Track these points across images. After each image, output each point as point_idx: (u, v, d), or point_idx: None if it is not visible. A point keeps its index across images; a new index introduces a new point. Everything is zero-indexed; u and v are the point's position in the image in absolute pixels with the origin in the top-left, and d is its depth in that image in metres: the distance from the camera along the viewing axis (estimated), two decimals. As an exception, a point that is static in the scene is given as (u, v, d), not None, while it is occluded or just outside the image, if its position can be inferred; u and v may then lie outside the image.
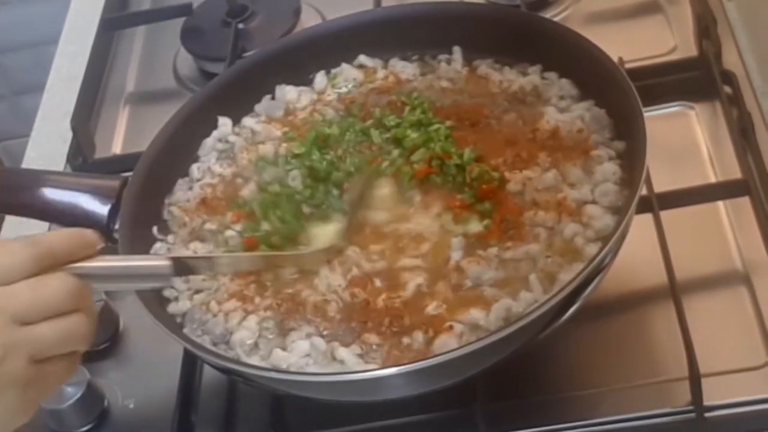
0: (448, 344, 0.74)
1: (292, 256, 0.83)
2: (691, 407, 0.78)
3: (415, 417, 0.83)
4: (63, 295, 0.65)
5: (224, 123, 0.96)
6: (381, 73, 0.98)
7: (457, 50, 0.97)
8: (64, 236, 0.69)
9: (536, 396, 0.83)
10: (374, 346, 0.76)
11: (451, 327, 0.76)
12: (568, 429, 0.80)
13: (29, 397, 0.64)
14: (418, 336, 0.76)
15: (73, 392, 0.88)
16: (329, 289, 0.81)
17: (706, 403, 0.78)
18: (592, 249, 0.77)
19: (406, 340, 0.76)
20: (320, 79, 0.99)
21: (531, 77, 0.92)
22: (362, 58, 0.99)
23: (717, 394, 0.78)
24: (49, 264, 0.66)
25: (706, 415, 0.78)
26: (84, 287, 0.67)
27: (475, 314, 0.76)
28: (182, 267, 0.76)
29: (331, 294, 0.80)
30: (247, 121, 0.97)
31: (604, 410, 0.81)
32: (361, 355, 0.76)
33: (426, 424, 0.83)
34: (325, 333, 0.78)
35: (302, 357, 0.77)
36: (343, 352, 0.76)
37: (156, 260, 0.76)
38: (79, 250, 0.69)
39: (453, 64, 0.97)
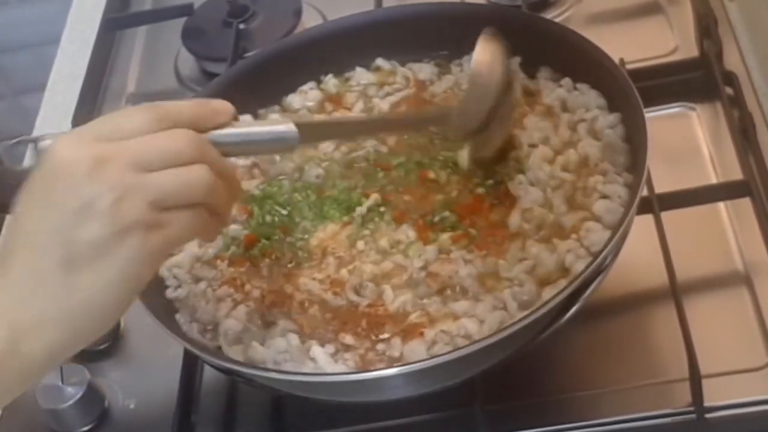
0: (417, 351, 0.75)
1: (415, 116, 0.82)
2: (691, 408, 0.78)
3: (414, 418, 0.83)
4: (181, 145, 0.64)
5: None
6: (399, 77, 0.98)
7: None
8: (190, 103, 0.68)
9: (536, 397, 0.83)
10: (349, 347, 0.77)
11: (422, 333, 0.76)
12: (568, 430, 0.80)
13: (153, 244, 0.62)
14: (396, 341, 0.76)
15: (73, 392, 0.88)
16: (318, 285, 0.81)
17: (707, 404, 0.78)
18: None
19: (380, 346, 0.77)
20: (330, 82, 0.99)
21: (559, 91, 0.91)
22: (379, 61, 0.99)
23: (717, 395, 0.78)
24: (170, 125, 0.65)
25: (707, 416, 0.78)
26: (205, 142, 0.66)
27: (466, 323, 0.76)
28: (307, 133, 0.73)
29: (318, 291, 0.80)
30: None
31: (604, 411, 0.80)
32: (333, 355, 0.76)
33: (425, 424, 0.83)
34: (306, 331, 0.78)
35: (279, 353, 0.77)
36: (316, 350, 0.76)
37: (281, 125, 0.71)
38: (206, 119, 0.67)
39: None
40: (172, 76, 1.25)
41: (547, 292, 0.76)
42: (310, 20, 1.22)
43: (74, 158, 0.61)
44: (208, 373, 0.89)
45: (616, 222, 0.78)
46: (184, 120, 0.66)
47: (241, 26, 1.22)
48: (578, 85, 0.90)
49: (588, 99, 0.89)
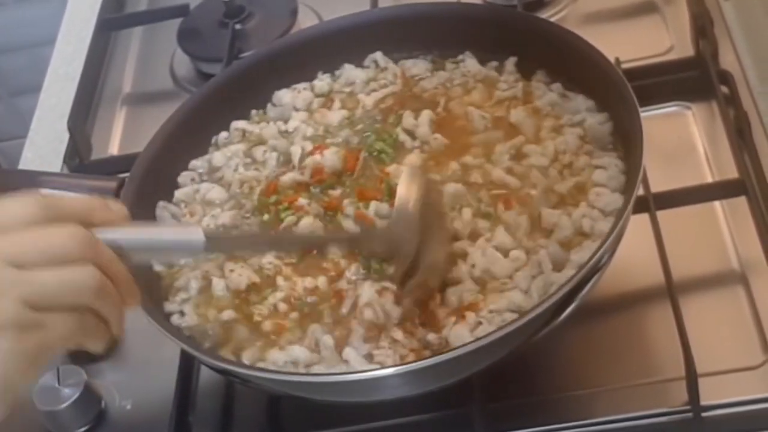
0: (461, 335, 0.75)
1: (333, 237, 0.81)
2: (688, 407, 0.78)
3: (412, 417, 0.83)
4: (67, 241, 0.60)
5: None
6: (389, 73, 0.98)
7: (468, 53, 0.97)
8: (80, 197, 0.65)
9: (533, 396, 0.83)
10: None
11: (464, 317, 0.76)
12: (565, 429, 0.80)
13: (26, 346, 0.59)
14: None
15: (69, 393, 0.88)
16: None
17: (703, 402, 0.78)
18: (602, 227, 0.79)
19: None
20: (320, 80, 0.99)
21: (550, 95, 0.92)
22: (377, 56, 0.99)
23: (714, 393, 0.78)
24: (56, 217, 0.61)
25: (703, 414, 0.78)
26: (97, 241, 0.62)
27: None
28: (215, 243, 0.70)
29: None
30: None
31: (601, 410, 0.81)
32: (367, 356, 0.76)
33: (423, 424, 0.83)
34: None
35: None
36: (349, 352, 0.76)
37: (189, 234, 0.68)
38: (95, 213, 0.64)
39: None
40: (168, 76, 1.25)
41: (576, 255, 0.77)
42: (306, 20, 1.22)
43: None
44: (205, 374, 0.89)
45: (620, 186, 0.80)
46: (72, 212, 0.62)
47: (237, 27, 1.22)
48: (567, 93, 0.91)
49: (577, 104, 0.89)
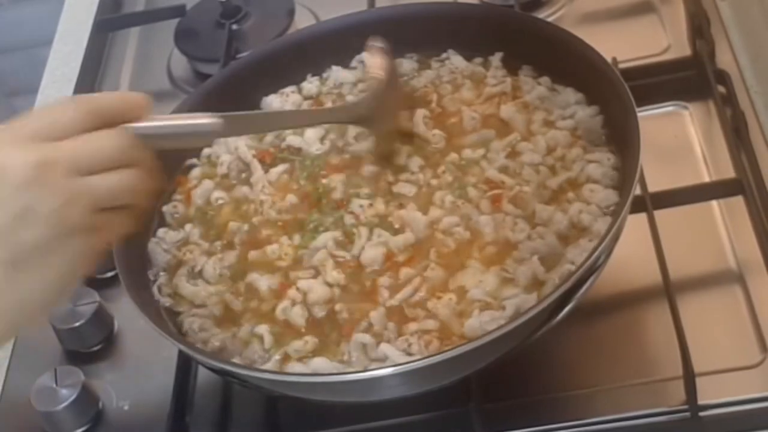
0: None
1: (340, 109, 0.91)
2: (685, 406, 0.78)
3: (409, 417, 0.83)
4: (117, 149, 0.67)
5: None
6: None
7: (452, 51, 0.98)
8: (115, 96, 0.71)
9: (531, 396, 0.83)
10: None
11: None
12: (562, 429, 0.80)
13: (91, 245, 0.66)
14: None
15: (67, 394, 0.88)
16: None
17: (701, 402, 0.78)
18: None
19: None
20: (309, 83, 0.99)
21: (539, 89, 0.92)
22: (364, 56, 0.99)
23: (711, 393, 0.78)
24: (101, 122, 0.67)
25: (701, 414, 0.78)
26: (137, 142, 0.68)
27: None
28: (230, 125, 0.75)
29: None
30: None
31: (598, 410, 0.81)
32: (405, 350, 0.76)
33: (421, 424, 0.83)
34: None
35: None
36: (385, 348, 0.76)
37: (203, 118, 0.73)
38: (129, 111, 0.69)
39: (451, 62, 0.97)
40: (165, 77, 1.25)
41: (572, 252, 0.77)
42: (302, 21, 1.22)
43: (15, 162, 0.63)
44: (203, 375, 0.89)
45: (613, 183, 0.81)
46: (109, 114, 0.68)
47: (234, 27, 1.22)
48: (556, 87, 0.91)
49: (566, 97, 0.89)
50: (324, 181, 0.89)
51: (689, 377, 0.77)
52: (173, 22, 1.27)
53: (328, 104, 0.97)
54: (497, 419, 0.81)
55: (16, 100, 1.83)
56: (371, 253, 0.82)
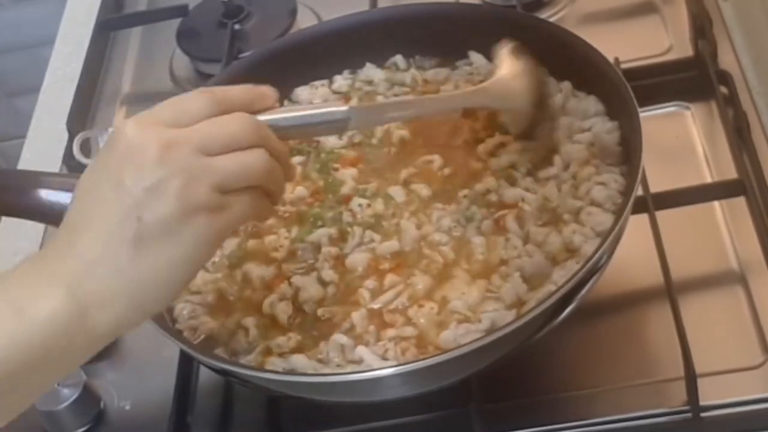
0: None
1: (457, 94, 0.87)
2: (687, 407, 0.78)
3: (410, 418, 0.83)
4: (241, 130, 0.67)
5: None
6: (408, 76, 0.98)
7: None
8: (240, 88, 0.71)
9: (532, 396, 0.83)
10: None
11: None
12: (563, 429, 0.80)
13: (217, 225, 0.65)
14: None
15: (69, 394, 0.88)
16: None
17: (702, 403, 0.78)
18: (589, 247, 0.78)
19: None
20: (341, 80, 0.99)
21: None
22: (398, 58, 0.99)
23: (713, 394, 0.78)
24: (226, 109, 0.68)
25: (702, 415, 0.78)
26: (263, 126, 0.69)
27: None
28: (362, 115, 0.75)
29: None
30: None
31: (600, 410, 0.80)
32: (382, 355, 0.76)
33: (421, 424, 0.83)
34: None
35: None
36: (361, 351, 0.76)
37: (333, 107, 0.74)
38: (255, 102, 0.70)
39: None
40: (167, 77, 1.25)
41: (558, 273, 0.77)
42: (305, 20, 1.22)
43: (142, 142, 0.64)
44: (204, 374, 0.89)
45: (615, 207, 0.80)
46: (237, 104, 0.69)
47: (236, 27, 1.22)
48: (576, 92, 0.90)
49: (587, 105, 0.88)
50: (336, 173, 0.89)
51: (691, 378, 0.77)
52: (175, 22, 1.27)
53: (354, 101, 0.97)
54: (498, 420, 0.81)
55: (17, 100, 1.83)
56: (357, 257, 0.82)
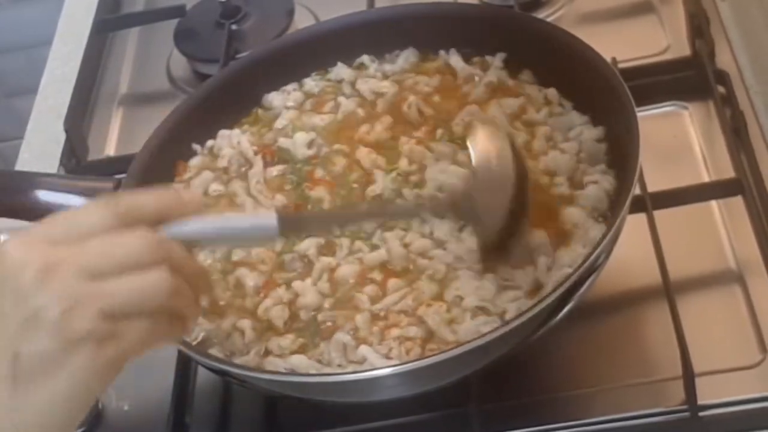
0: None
1: (410, 206, 0.81)
2: (685, 406, 0.78)
3: (409, 417, 0.83)
4: (139, 250, 0.60)
5: None
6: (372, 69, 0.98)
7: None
8: (152, 196, 0.64)
9: (530, 396, 0.83)
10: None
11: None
12: (562, 429, 0.80)
13: (104, 357, 0.59)
14: None
15: (67, 394, 0.88)
16: None
17: (700, 402, 0.78)
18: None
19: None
20: (311, 80, 0.99)
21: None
22: (364, 58, 0.99)
23: (711, 393, 0.78)
24: (129, 222, 0.61)
25: (701, 414, 0.78)
26: (165, 241, 0.62)
27: None
28: (289, 224, 0.68)
29: None
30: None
31: (598, 410, 0.81)
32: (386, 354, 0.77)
33: (420, 424, 0.83)
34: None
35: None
36: (365, 350, 0.76)
37: (260, 218, 0.67)
38: (171, 210, 0.63)
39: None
40: (165, 77, 1.25)
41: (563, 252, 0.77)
42: (302, 21, 1.22)
43: (22, 264, 0.58)
44: (202, 375, 0.89)
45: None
46: (147, 214, 0.62)
47: (234, 27, 1.22)
48: (563, 101, 0.90)
49: (571, 118, 0.89)
50: (311, 192, 0.89)
51: (689, 377, 0.77)
52: (173, 23, 1.27)
53: (330, 104, 0.97)
54: (497, 419, 0.81)
55: (15, 100, 1.83)
56: (346, 270, 0.82)
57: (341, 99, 0.97)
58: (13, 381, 0.58)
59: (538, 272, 0.78)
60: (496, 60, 0.95)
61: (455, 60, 0.96)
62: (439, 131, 0.91)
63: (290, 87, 0.99)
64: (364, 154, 0.90)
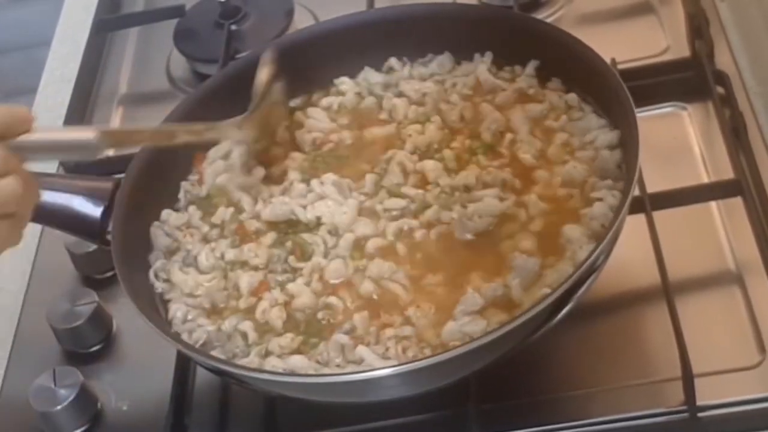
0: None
1: (210, 127, 0.88)
2: (684, 407, 0.78)
3: (408, 418, 0.83)
4: None
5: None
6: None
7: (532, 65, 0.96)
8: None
9: (529, 396, 0.83)
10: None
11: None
12: (561, 429, 0.80)
13: None
14: None
15: (66, 395, 0.88)
16: None
17: (699, 402, 0.78)
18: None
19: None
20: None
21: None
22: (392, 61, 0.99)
23: (710, 393, 0.78)
24: None
25: (699, 414, 0.78)
26: (12, 155, 0.68)
27: None
28: (107, 137, 0.76)
29: None
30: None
31: (597, 410, 0.81)
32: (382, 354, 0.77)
33: (419, 425, 0.83)
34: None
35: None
36: (362, 351, 0.77)
37: (82, 132, 0.75)
38: (13, 126, 0.69)
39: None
40: (164, 77, 1.25)
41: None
42: (301, 21, 1.22)
43: None
44: (201, 375, 0.89)
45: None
46: None
47: (233, 27, 1.22)
48: (583, 106, 0.90)
49: (589, 122, 0.88)
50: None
51: (688, 378, 0.77)
52: (172, 23, 1.27)
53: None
54: (496, 420, 0.81)
55: (15, 100, 1.81)
56: (335, 265, 0.83)
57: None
58: None
59: (513, 291, 0.78)
60: (528, 68, 0.94)
61: (481, 70, 0.96)
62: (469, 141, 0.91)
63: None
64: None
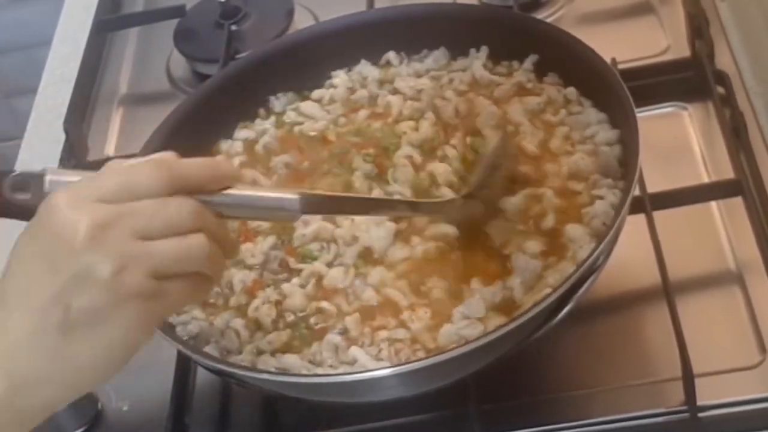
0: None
1: (430, 204, 0.83)
2: (684, 407, 0.78)
3: (408, 418, 0.83)
4: (183, 215, 0.64)
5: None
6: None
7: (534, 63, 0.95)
8: (199, 166, 0.67)
9: (530, 396, 0.83)
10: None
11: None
12: (561, 429, 0.80)
13: (150, 312, 0.63)
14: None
15: (66, 395, 0.88)
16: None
17: (700, 402, 0.78)
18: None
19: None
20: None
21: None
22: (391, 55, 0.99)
23: (710, 393, 0.78)
24: (178, 191, 0.65)
25: (700, 415, 0.78)
26: (205, 210, 0.66)
27: None
28: (310, 204, 0.71)
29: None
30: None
31: (597, 410, 0.81)
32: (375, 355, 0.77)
33: (419, 425, 0.83)
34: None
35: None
36: (355, 351, 0.76)
37: (284, 193, 0.71)
38: (213, 182, 0.67)
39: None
40: (164, 78, 1.25)
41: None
42: (302, 21, 1.22)
43: (76, 221, 0.61)
44: (202, 375, 0.89)
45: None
46: (193, 183, 0.66)
47: (233, 27, 1.22)
48: (582, 100, 0.90)
49: (588, 116, 0.88)
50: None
51: (688, 378, 0.77)
52: (172, 23, 1.27)
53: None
54: (496, 420, 0.81)
55: (15, 100, 1.83)
56: (334, 272, 0.82)
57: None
58: (63, 331, 0.61)
59: (515, 292, 0.78)
60: (526, 63, 0.94)
61: (477, 65, 0.95)
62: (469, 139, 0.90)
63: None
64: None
